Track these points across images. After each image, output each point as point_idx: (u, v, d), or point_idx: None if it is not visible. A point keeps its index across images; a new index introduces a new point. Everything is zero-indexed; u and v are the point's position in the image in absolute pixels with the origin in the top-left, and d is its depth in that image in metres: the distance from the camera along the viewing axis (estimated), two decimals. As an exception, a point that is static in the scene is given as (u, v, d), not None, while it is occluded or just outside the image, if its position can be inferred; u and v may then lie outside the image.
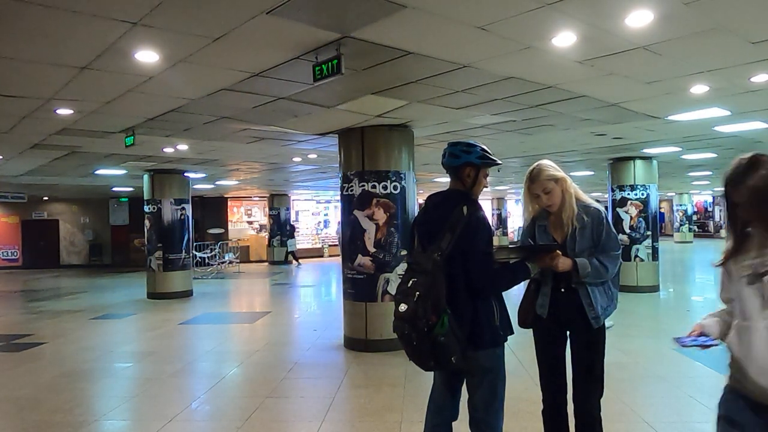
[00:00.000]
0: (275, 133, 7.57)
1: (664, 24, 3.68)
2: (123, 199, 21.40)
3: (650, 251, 11.21)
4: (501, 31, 3.75)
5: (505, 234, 29.44)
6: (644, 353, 6.45)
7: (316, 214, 24.60)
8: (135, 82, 4.83)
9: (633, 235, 11.20)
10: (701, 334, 2.03)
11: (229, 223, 22.61)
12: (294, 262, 20.50)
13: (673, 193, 29.90)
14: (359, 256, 6.82)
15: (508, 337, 2.69)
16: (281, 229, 21.53)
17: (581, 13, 3.51)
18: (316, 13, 3.43)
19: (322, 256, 23.58)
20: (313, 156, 10.24)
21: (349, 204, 6.98)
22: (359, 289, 6.87)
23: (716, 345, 1.98)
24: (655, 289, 11.19)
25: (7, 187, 15.22)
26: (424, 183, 15.99)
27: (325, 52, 4.01)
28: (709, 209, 33.39)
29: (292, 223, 21.90)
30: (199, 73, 4.60)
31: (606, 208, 10.24)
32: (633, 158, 11.17)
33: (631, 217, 11.21)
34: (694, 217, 32.58)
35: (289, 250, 20.81)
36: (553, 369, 2.90)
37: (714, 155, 11.32)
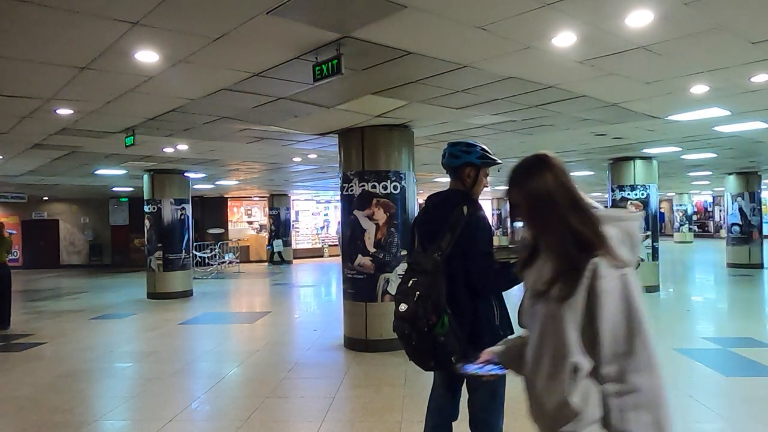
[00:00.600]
0: (275, 133, 7.57)
1: (664, 24, 3.68)
2: (123, 199, 21.40)
3: (650, 251, 11.21)
4: (501, 31, 3.75)
5: (505, 234, 29.42)
6: (644, 353, 6.45)
7: (316, 214, 24.60)
8: (135, 82, 4.83)
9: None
10: (488, 362, 1.81)
11: (229, 223, 22.59)
12: (278, 262, 20.55)
13: (673, 193, 29.91)
14: (359, 256, 6.82)
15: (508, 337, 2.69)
16: (281, 228, 21.56)
17: (581, 13, 3.51)
18: (316, 13, 3.43)
19: (322, 256, 23.58)
20: (313, 156, 10.24)
21: (349, 204, 6.98)
22: (359, 289, 6.87)
23: (503, 374, 1.79)
24: (655, 289, 11.18)
25: (7, 187, 15.22)
26: (424, 183, 15.98)
27: (325, 52, 4.01)
28: (709, 209, 33.39)
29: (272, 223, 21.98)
30: (199, 73, 4.60)
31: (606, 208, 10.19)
32: (633, 158, 11.16)
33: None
34: (694, 217, 32.59)
35: (275, 251, 20.77)
36: (553, 369, 2.90)
37: (714, 155, 11.32)
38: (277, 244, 20.80)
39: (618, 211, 1.72)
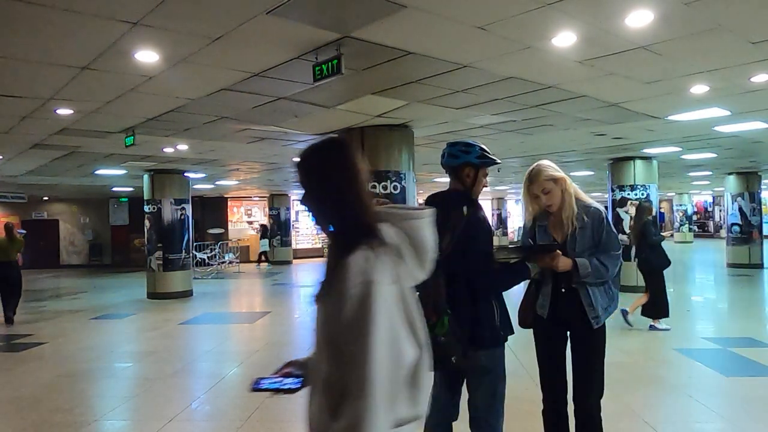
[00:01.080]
0: (275, 133, 7.57)
1: (664, 24, 3.68)
2: (123, 199, 21.40)
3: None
4: (501, 31, 3.75)
5: (505, 234, 29.43)
6: (644, 353, 6.45)
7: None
8: (135, 82, 4.83)
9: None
10: (288, 375, 1.55)
11: (229, 223, 22.61)
12: (260, 263, 20.43)
13: (673, 193, 29.91)
14: (359, 256, 6.83)
15: (508, 337, 2.69)
16: (281, 228, 21.54)
17: (581, 13, 3.51)
18: (316, 13, 3.43)
19: (322, 256, 23.58)
20: (313, 156, 10.23)
21: (349, 204, 6.98)
22: (359, 289, 6.87)
23: (297, 388, 1.53)
24: (655, 289, 11.17)
25: (7, 187, 15.22)
26: (424, 183, 15.98)
27: (325, 52, 4.02)
28: (709, 209, 33.39)
29: (263, 223, 21.89)
30: (199, 73, 4.60)
31: (606, 208, 10.21)
32: (633, 158, 11.17)
33: (631, 217, 11.20)
34: (694, 217, 32.60)
35: (260, 251, 20.74)
36: (554, 369, 2.90)
37: (714, 155, 11.33)
38: (263, 244, 20.72)
39: (407, 208, 1.50)
